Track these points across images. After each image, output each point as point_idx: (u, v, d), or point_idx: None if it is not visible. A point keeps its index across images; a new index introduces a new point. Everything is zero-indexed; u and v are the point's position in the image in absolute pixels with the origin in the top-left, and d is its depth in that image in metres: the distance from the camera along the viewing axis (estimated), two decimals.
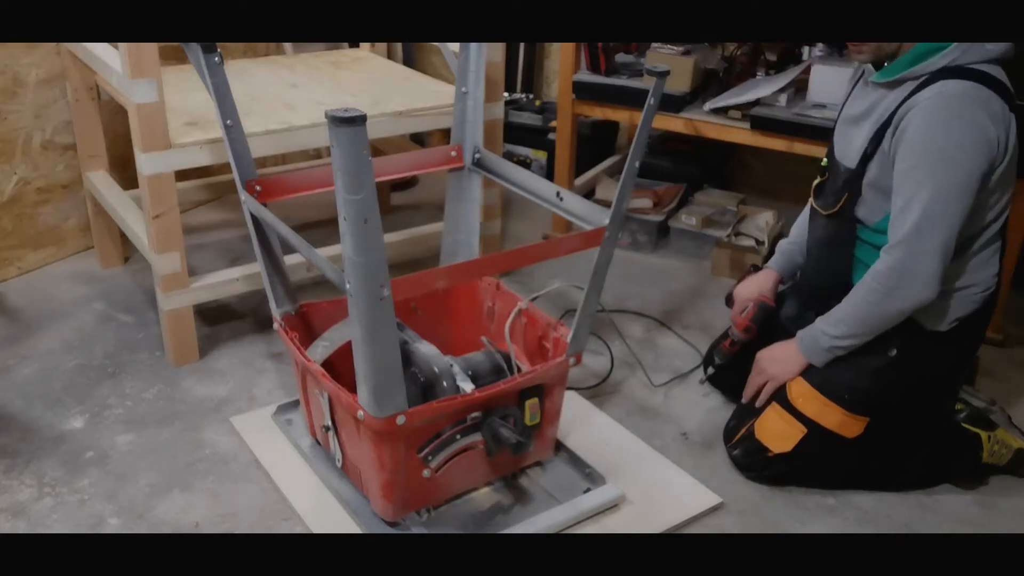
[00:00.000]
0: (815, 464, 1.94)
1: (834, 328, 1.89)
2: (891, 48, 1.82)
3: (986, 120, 1.71)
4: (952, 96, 1.72)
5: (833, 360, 1.92)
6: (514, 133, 3.57)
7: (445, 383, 1.71)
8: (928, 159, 1.73)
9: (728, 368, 2.19)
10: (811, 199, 2.05)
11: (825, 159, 2.03)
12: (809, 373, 1.94)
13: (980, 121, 1.71)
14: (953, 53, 1.75)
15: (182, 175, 2.38)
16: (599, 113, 3.00)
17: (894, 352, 1.89)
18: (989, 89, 1.72)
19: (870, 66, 1.89)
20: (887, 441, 1.94)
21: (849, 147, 1.92)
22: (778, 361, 1.98)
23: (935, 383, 1.96)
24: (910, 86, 1.79)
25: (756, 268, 2.24)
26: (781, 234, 2.97)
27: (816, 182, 2.04)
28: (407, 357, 1.75)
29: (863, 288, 1.85)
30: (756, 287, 2.16)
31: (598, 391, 2.30)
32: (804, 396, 1.92)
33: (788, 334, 2.01)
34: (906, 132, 1.76)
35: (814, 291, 2.06)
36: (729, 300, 2.22)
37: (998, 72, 1.77)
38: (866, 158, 1.85)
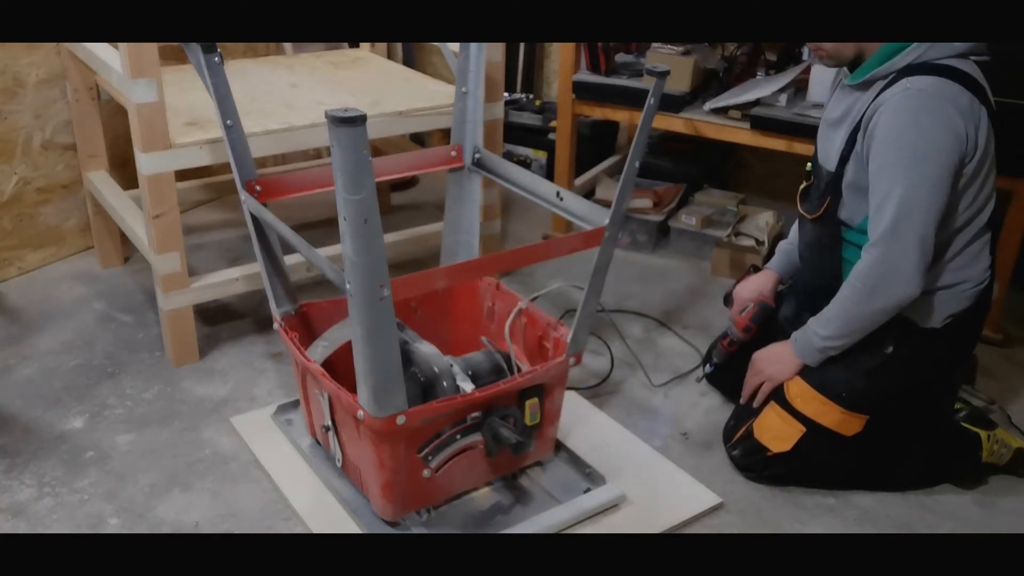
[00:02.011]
0: (814, 464, 1.94)
1: (824, 328, 1.89)
2: (849, 51, 1.82)
3: (954, 114, 1.71)
4: (918, 92, 1.72)
5: (830, 359, 1.92)
6: (514, 133, 3.57)
7: (445, 383, 1.71)
8: (899, 156, 1.73)
9: (726, 368, 2.19)
10: (798, 204, 2.05)
11: (810, 164, 2.03)
12: (807, 372, 1.94)
13: (948, 115, 1.71)
14: (918, 50, 1.75)
15: (182, 175, 2.38)
16: (599, 113, 3.00)
17: (890, 350, 1.89)
18: (956, 83, 1.72)
19: (847, 69, 1.89)
20: (886, 440, 1.94)
21: (830, 150, 1.92)
22: (774, 362, 1.98)
23: (932, 381, 1.96)
24: (879, 85, 1.79)
25: (756, 268, 2.24)
26: (781, 234, 2.97)
27: (802, 187, 2.04)
28: (407, 357, 1.75)
29: (848, 288, 1.85)
30: (756, 287, 2.16)
31: (598, 391, 2.30)
32: (802, 395, 1.92)
33: (786, 335, 2.00)
34: (876, 130, 1.76)
35: (808, 293, 2.07)
36: (728, 300, 2.22)
37: (967, 66, 1.76)
38: (843, 160, 1.85)
